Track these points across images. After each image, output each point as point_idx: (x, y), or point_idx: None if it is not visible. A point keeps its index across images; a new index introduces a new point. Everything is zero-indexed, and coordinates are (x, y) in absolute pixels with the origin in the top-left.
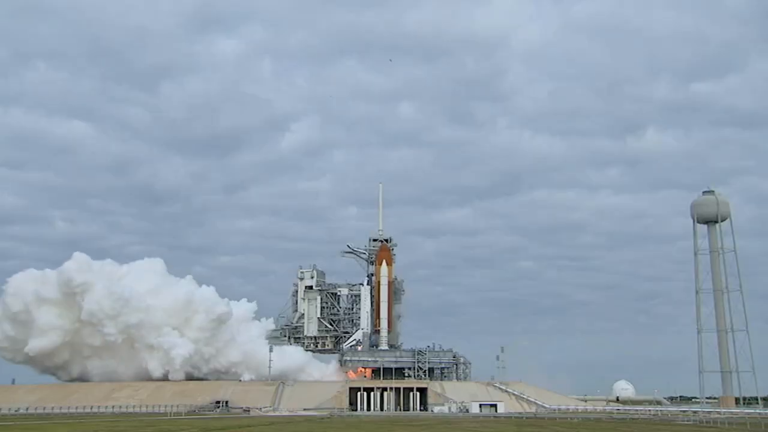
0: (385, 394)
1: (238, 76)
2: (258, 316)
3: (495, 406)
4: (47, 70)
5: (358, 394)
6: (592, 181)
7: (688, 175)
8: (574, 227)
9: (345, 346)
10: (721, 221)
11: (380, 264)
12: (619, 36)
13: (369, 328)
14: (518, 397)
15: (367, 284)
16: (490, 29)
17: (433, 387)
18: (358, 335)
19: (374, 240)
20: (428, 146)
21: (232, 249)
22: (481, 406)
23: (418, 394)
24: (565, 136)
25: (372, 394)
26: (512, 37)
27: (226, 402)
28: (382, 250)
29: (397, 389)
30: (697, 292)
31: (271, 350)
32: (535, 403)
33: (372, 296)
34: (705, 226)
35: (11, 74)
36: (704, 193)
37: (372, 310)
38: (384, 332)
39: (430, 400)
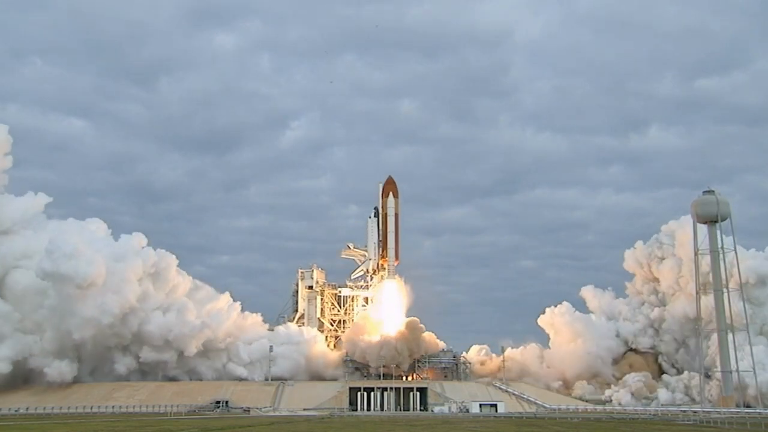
0: (385, 394)
1: (237, 71)
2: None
3: (495, 406)
4: (44, 65)
5: (358, 394)
6: (594, 179)
7: (691, 173)
8: (576, 226)
9: (353, 276)
10: (722, 221)
11: (386, 197)
12: (623, 31)
13: (376, 257)
14: (518, 397)
15: (374, 216)
16: (492, 24)
17: (433, 387)
18: (366, 266)
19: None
20: (429, 144)
21: (231, 248)
22: (481, 406)
23: (418, 394)
24: (568, 134)
25: (372, 394)
26: (515, 31)
27: (226, 402)
28: (388, 183)
29: (397, 389)
30: (697, 292)
31: (271, 350)
32: (535, 403)
33: (379, 228)
34: (705, 226)
35: (7, 70)
36: (704, 192)
37: (379, 240)
38: (391, 261)
39: (430, 400)
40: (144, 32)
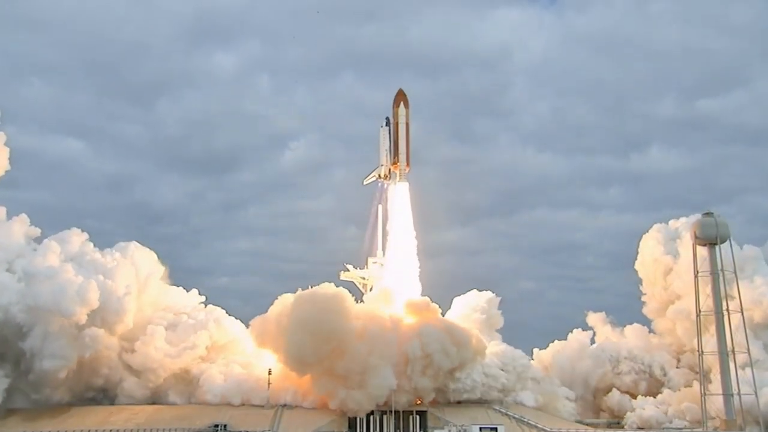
0: (385, 417)
1: (236, 92)
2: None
3: (495, 429)
4: (42, 86)
5: (357, 417)
6: (595, 200)
7: (692, 194)
8: (576, 247)
9: (365, 181)
10: (721, 243)
11: (398, 106)
12: (623, 51)
13: (388, 163)
14: (518, 420)
15: (386, 125)
16: (491, 44)
17: (433, 410)
18: (379, 171)
19: (374, 262)
20: (428, 164)
21: (230, 270)
22: (481, 429)
23: (417, 417)
24: (568, 154)
25: (371, 417)
26: (514, 51)
27: (225, 425)
28: (399, 94)
29: (396, 412)
30: (697, 315)
31: (270, 373)
32: (536, 426)
33: (390, 137)
34: (705, 248)
35: (5, 90)
36: (704, 215)
37: (391, 146)
38: (402, 166)
39: (430, 423)
40: (142, 52)
